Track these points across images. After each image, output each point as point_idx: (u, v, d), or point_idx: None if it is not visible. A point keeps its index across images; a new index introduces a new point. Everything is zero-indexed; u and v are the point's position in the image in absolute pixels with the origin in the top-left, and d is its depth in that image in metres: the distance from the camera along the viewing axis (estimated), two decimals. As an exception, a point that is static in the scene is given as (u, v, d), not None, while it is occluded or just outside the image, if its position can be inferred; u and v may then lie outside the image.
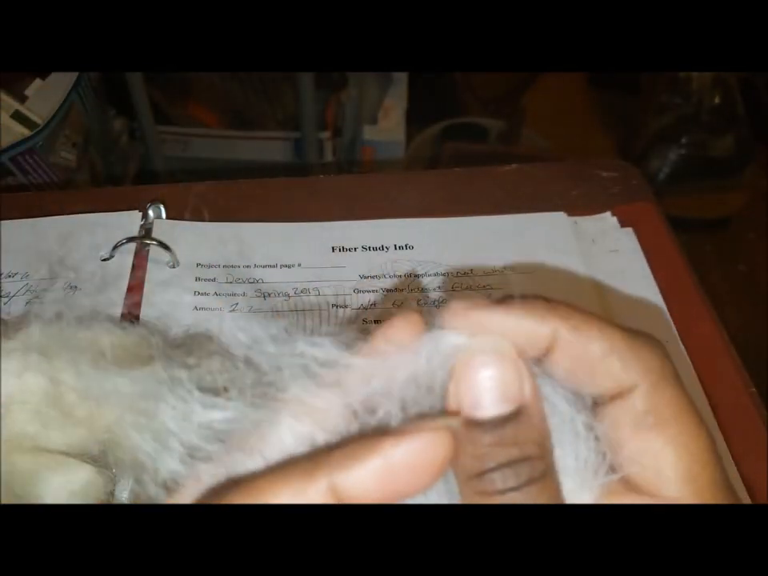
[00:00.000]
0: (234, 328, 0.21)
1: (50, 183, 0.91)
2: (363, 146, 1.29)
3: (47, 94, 0.91)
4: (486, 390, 0.19)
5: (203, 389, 0.27)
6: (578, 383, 0.20)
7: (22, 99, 0.88)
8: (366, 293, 0.45)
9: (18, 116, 0.86)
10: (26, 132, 0.87)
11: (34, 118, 0.88)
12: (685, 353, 0.42)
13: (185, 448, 0.22)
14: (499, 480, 0.18)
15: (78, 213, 0.49)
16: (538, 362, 0.20)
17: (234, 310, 0.43)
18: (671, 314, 0.44)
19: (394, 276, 0.46)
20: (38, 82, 0.91)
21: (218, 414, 0.22)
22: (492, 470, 0.18)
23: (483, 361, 0.19)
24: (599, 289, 0.46)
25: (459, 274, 0.46)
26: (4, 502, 0.29)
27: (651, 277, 0.47)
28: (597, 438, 0.20)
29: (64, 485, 0.31)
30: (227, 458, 0.20)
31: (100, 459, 0.33)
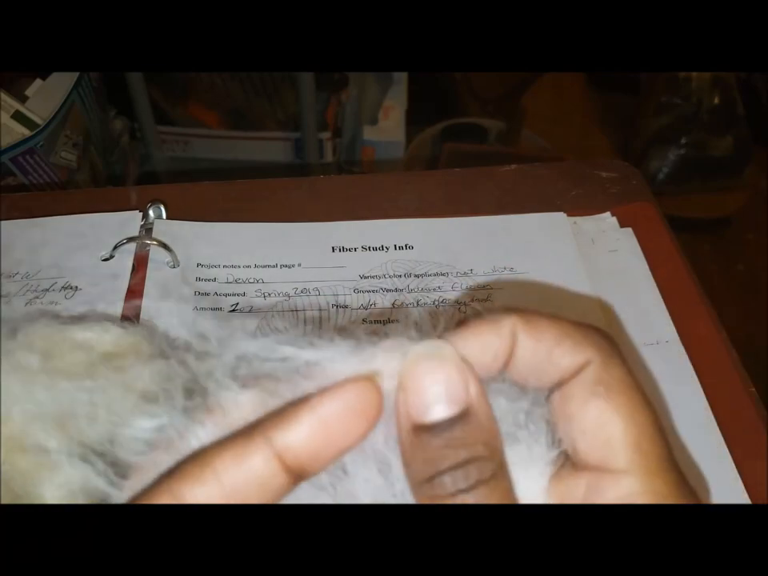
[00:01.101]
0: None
1: (51, 183, 0.91)
2: (363, 146, 1.29)
3: (48, 94, 0.91)
4: (431, 393, 0.19)
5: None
6: (539, 377, 0.21)
7: (23, 99, 0.89)
8: (366, 293, 0.45)
9: (18, 116, 0.87)
10: (27, 132, 0.87)
11: (35, 119, 0.88)
12: (684, 352, 0.42)
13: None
14: (449, 482, 0.18)
15: (78, 213, 0.49)
16: (504, 369, 0.21)
17: (234, 309, 0.43)
18: (671, 314, 0.44)
19: (394, 276, 0.46)
20: (38, 82, 0.91)
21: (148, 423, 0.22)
22: (442, 472, 0.19)
23: (426, 366, 0.19)
24: (597, 288, 0.46)
25: (459, 274, 0.46)
26: (4, 501, 0.29)
27: (651, 277, 0.47)
28: (533, 422, 0.21)
29: (64, 485, 0.31)
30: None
31: (100, 459, 0.33)
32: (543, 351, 0.20)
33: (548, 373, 0.21)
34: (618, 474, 0.20)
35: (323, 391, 0.19)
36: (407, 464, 0.19)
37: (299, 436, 0.18)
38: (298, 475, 0.19)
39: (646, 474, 0.19)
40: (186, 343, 0.23)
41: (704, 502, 0.21)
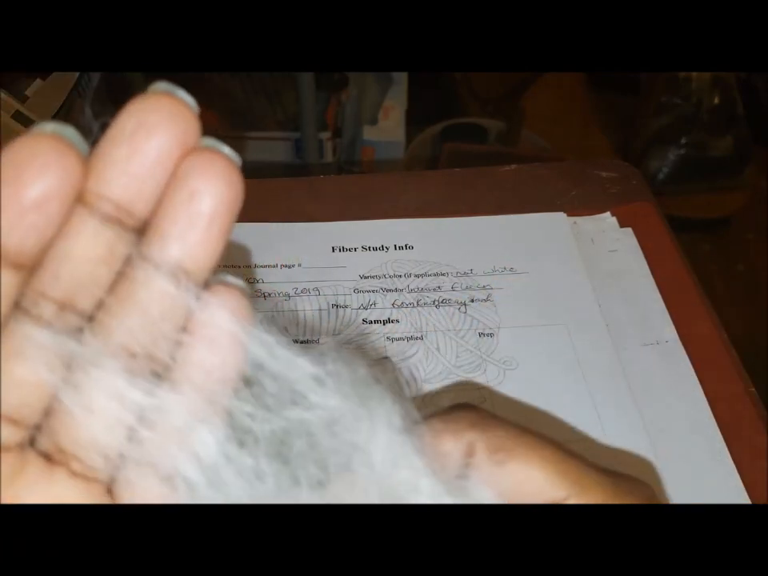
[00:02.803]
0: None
1: (50, 183, 0.91)
2: (363, 146, 1.29)
3: (48, 94, 0.91)
4: None
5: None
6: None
7: (23, 99, 0.88)
8: (366, 293, 0.45)
9: (18, 116, 0.86)
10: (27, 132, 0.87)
11: (35, 119, 0.88)
12: (684, 352, 0.42)
13: None
14: None
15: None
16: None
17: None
18: (671, 314, 0.44)
19: (394, 276, 0.46)
20: (38, 82, 0.91)
21: None
22: None
23: None
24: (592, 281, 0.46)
25: (459, 274, 0.46)
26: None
27: (650, 277, 0.47)
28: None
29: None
30: None
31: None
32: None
33: None
34: (566, 501, 0.20)
35: None
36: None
37: None
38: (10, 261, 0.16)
39: (583, 489, 0.20)
40: None
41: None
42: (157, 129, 0.16)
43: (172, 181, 0.17)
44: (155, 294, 0.17)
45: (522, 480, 0.19)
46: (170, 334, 0.17)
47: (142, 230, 0.17)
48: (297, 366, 0.18)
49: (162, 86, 0.17)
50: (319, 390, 0.18)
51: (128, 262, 0.17)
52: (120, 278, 0.17)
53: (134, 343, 0.17)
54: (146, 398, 0.17)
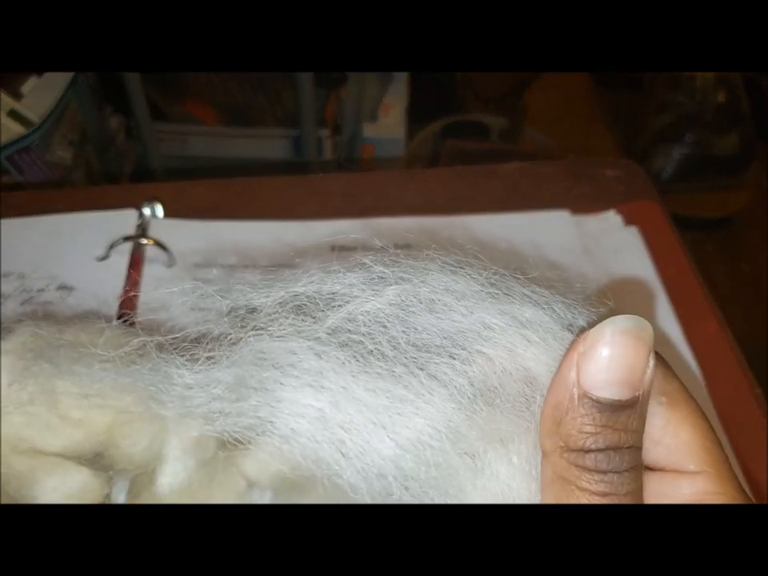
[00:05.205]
0: None
1: (46, 182, 0.91)
2: (363, 144, 1.29)
3: (43, 91, 0.90)
4: (615, 372, 0.18)
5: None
6: None
7: (18, 97, 0.88)
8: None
9: (13, 114, 0.86)
10: (22, 130, 0.86)
11: (30, 116, 0.87)
12: (690, 352, 0.42)
13: None
14: (604, 461, 0.18)
15: (73, 211, 0.48)
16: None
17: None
18: (676, 313, 0.44)
19: (395, 275, 0.46)
20: (34, 80, 0.90)
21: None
22: (598, 450, 0.18)
23: (623, 340, 0.18)
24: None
25: (461, 274, 0.46)
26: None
27: (656, 275, 0.46)
28: None
29: (59, 487, 0.31)
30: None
31: (96, 461, 0.32)
32: None
33: None
34: (692, 475, 0.20)
35: None
36: (557, 422, 0.19)
37: None
38: None
39: (718, 476, 0.20)
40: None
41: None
42: None
43: None
44: None
45: (669, 431, 0.20)
46: None
47: None
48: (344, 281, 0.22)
49: None
50: (375, 289, 0.22)
51: None
52: None
53: None
54: None
